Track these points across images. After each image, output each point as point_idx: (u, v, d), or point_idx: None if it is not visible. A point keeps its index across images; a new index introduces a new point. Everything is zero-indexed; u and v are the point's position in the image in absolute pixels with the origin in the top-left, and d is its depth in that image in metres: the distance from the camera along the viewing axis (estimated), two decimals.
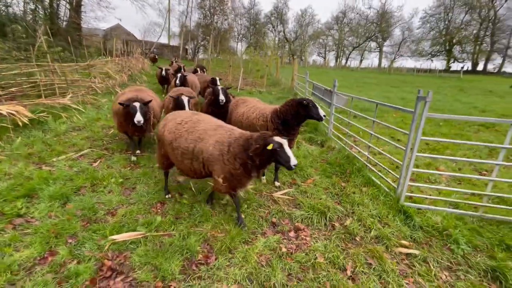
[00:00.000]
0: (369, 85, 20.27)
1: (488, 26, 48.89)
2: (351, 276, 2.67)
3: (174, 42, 51.97)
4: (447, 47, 52.18)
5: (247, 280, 2.55)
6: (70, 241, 2.94)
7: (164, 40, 46.55)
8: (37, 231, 2.99)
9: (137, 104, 4.43)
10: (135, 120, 4.35)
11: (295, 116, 4.06)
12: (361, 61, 57.48)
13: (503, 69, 49.47)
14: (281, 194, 4.13)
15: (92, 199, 3.67)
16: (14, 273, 2.45)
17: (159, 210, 3.62)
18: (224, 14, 49.32)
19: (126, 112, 4.56)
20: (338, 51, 61.27)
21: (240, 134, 3.09)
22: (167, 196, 3.89)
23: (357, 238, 3.23)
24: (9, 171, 4.25)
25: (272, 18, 59.70)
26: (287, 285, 2.51)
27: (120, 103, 4.53)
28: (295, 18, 60.74)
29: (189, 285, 2.48)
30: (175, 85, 7.73)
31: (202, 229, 3.22)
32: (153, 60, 25.16)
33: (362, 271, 2.72)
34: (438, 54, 53.97)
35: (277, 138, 2.77)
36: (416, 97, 3.45)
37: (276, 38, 61.25)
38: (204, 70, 13.73)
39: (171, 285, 2.47)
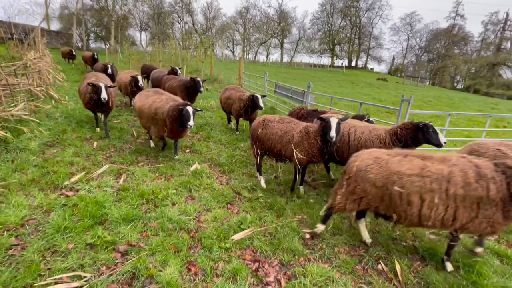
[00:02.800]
0: (290, 80, 23.17)
1: (356, 31, 62.30)
2: None
3: (55, 27, 42.14)
4: (331, 46, 63.48)
5: (353, 240, 3.52)
6: (192, 251, 3.10)
7: (37, 23, 36.47)
8: (154, 250, 2.98)
9: None
10: None
11: (414, 140, 3.95)
12: (267, 56, 62.68)
13: (368, 65, 64.83)
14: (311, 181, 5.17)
15: (170, 213, 3.69)
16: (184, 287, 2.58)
17: (237, 209, 4.02)
18: None
19: None
20: (244, 46, 64.49)
21: None
22: None
23: None
24: (32, 203, 3.56)
25: (177, 8, 56.82)
26: (377, 232, 3.63)
27: None
28: (201, 10, 59.82)
29: (320, 254, 3.24)
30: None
31: (289, 219, 3.90)
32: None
33: None
34: (325, 52, 65.00)
35: None
36: (401, 100, 5.10)
37: (183, 29, 58.85)
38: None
39: (309, 258, 3.17)
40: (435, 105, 16.60)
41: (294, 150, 4.20)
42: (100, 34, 49.83)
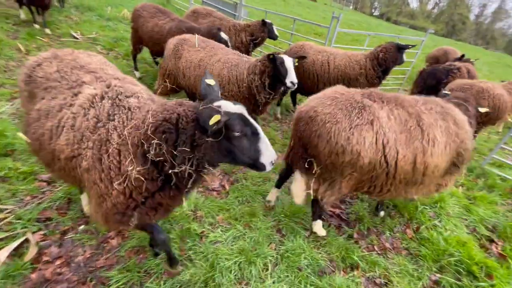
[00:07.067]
0: None
1: None
2: None
3: None
4: None
5: None
6: None
7: None
8: None
9: None
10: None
11: (395, 62, 3.93)
12: None
13: None
14: None
15: None
16: None
17: None
18: None
19: None
20: None
21: None
22: None
23: None
24: None
25: None
26: None
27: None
28: None
29: None
30: None
31: None
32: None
33: None
34: None
35: None
36: (332, 17, 5.18)
37: None
38: None
39: None
40: (357, 29, 17.81)
41: None
42: None
